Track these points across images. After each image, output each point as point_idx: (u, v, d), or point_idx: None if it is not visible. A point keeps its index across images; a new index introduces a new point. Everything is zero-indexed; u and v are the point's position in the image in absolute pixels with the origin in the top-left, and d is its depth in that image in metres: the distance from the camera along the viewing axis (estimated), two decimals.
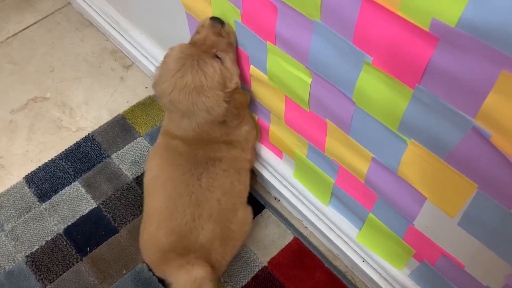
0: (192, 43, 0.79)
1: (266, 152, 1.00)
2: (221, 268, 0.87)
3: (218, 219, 0.84)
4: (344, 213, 0.91)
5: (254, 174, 1.06)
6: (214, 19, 0.77)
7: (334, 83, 0.65)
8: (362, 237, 0.88)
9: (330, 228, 0.94)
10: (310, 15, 0.59)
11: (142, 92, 1.28)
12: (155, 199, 0.86)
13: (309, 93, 0.71)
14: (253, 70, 0.81)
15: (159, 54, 1.19)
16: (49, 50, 1.37)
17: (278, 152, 0.97)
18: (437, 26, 0.45)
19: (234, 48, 0.79)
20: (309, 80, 0.69)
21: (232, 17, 0.75)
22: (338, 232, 0.93)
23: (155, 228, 0.84)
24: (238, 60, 0.83)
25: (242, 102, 0.83)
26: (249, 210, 0.92)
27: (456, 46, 0.45)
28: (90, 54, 1.36)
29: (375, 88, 0.58)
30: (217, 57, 0.77)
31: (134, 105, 1.23)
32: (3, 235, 1.03)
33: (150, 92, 1.27)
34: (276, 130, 0.90)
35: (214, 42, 0.76)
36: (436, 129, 0.55)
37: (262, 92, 0.84)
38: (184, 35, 0.97)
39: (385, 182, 0.71)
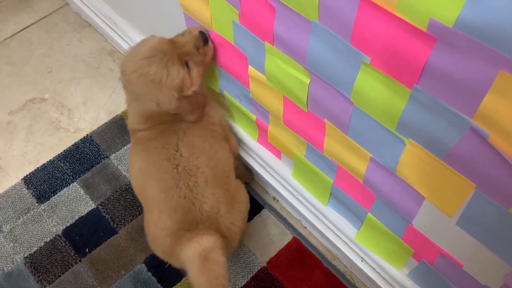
0: (172, 40, 0.82)
1: (264, 152, 1.00)
2: (234, 236, 0.83)
3: (215, 183, 0.82)
4: (343, 213, 0.91)
5: (250, 171, 1.06)
6: (202, 34, 0.81)
7: (332, 84, 0.65)
8: (361, 237, 0.88)
9: (329, 228, 0.94)
10: (308, 15, 0.59)
11: None
12: (147, 190, 0.84)
13: (307, 94, 0.71)
14: (251, 70, 0.81)
15: None
16: (47, 51, 1.37)
17: (277, 152, 0.97)
18: (435, 26, 0.45)
19: (206, 66, 0.85)
20: (307, 80, 0.69)
21: (230, 17, 0.75)
22: (337, 232, 0.93)
23: (157, 214, 0.81)
24: (234, 61, 0.83)
25: (199, 102, 0.84)
26: (240, 183, 0.89)
27: (454, 46, 0.45)
28: (88, 54, 1.36)
29: (373, 89, 0.58)
30: (186, 65, 0.80)
31: None
32: (1, 236, 1.03)
33: None
34: (274, 130, 0.90)
35: (190, 52, 0.80)
36: (434, 129, 0.55)
37: (261, 93, 0.84)
38: None
39: (384, 182, 0.71)
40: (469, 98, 0.48)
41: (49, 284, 0.97)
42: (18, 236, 1.03)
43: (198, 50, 0.81)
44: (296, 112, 0.78)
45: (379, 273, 0.88)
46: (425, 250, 0.74)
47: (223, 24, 0.78)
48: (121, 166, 1.12)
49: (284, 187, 0.99)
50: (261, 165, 1.02)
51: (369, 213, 0.81)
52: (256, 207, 1.06)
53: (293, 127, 0.83)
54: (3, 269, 0.99)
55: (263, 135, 0.97)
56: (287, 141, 0.89)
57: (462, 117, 0.50)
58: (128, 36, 1.25)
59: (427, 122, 0.55)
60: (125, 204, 1.06)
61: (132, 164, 0.88)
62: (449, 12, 0.43)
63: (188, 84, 0.80)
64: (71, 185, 1.10)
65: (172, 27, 0.98)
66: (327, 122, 0.73)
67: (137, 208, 1.06)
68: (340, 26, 0.56)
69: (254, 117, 0.93)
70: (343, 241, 0.93)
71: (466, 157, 0.54)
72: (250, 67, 0.81)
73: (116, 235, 1.03)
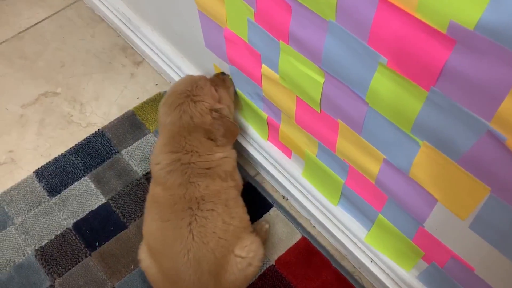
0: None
1: (275, 151, 1.00)
2: None
3: (215, 272, 0.82)
4: (353, 213, 0.91)
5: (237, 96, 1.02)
6: (222, 72, 0.95)
7: (347, 84, 0.64)
8: (370, 238, 0.88)
9: (339, 228, 0.94)
10: (324, 15, 0.59)
11: (152, 88, 1.28)
12: (160, 258, 0.84)
13: (321, 93, 0.71)
14: (264, 69, 0.81)
15: (170, 51, 1.19)
16: (60, 45, 1.38)
17: (287, 151, 0.97)
18: (455, 28, 0.45)
19: (231, 95, 0.95)
20: (321, 80, 0.69)
21: (245, 16, 0.75)
22: (346, 232, 0.93)
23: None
24: (247, 59, 0.83)
25: (231, 130, 0.88)
26: (254, 238, 0.88)
27: (474, 49, 0.45)
28: (100, 50, 1.36)
29: (389, 89, 0.58)
30: (215, 88, 0.89)
31: (144, 102, 1.23)
32: (13, 228, 1.04)
33: (160, 89, 1.27)
34: (286, 129, 0.90)
35: (216, 80, 0.93)
36: (449, 131, 0.55)
37: (273, 92, 0.84)
38: (196, 33, 0.97)
39: (396, 184, 0.71)
40: (487, 101, 0.48)
41: (59, 276, 0.98)
42: (29, 228, 1.04)
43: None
44: (309, 112, 0.78)
45: (388, 274, 0.88)
46: (435, 253, 0.74)
47: (238, 22, 0.79)
48: (132, 161, 1.12)
49: (294, 186, 0.99)
50: (271, 163, 1.02)
51: (380, 214, 0.81)
52: (265, 205, 1.06)
53: (305, 126, 0.83)
54: (14, 261, 1.00)
55: (274, 134, 0.97)
56: (298, 140, 0.89)
57: (479, 120, 0.50)
58: (141, 32, 1.25)
59: (443, 124, 0.55)
60: (136, 199, 1.07)
61: (147, 219, 0.88)
62: (471, 14, 0.43)
63: (217, 97, 0.89)
64: (82, 179, 1.11)
65: (187, 24, 0.99)
66: (341, 122, 0.72)
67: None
68: (357, 26, 0.56)
69: (265, 115, 0.93)
70: (353, 241, 0.93)
71: (481, 161, 0.53)
72: (263, 66, 0.81)
73: (126, 230, 1.03)
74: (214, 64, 1.00)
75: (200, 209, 0.82)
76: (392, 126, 0.63)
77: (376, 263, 0.89)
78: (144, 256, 0.88)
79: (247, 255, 0.84)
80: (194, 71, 1.14)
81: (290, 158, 0.98)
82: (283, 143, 0.96)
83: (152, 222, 0.86)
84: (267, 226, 1.00)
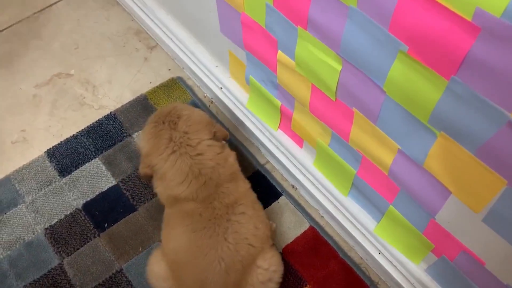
0: None
1: (286, 140, 1.00)
2: None
3: (238, 283, 0.82)
4: (363, 204, 0.91)
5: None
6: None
7: (365, 71, 0.64)
8: (380, 229, 0.88)
9: (348, 219, 0.94)
10: (345, 0, 0.58)
11: (165, 73, 1.28)
12: (187, 272, 0.82)
13: (338, 81, 0.71)
14: (280, 55, 0.80)
15: (185, 37, 1.19)
16: (75, 27, 1.38)
17: (299, 140, 0.97)
18: (481, 16, 0.44)
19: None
20: (338, 67, 0.68)
21: (264, 0, 0.75)
22: (355, 223, 0.93)
23: None
24: (263, 45, 0.83)
25: (223, 136, 0.88)
26: (275, 252, 0.87)
27: (499, 37, 0.44)
28: (115, 33, 1.36)
29: (408, 78, 0.58)
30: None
31: (156, 86, 1.23)
32: (23, 206, 1.05)
33: (173, 74, 1.27)
34: (299, 117, 0.90)
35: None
36: (468, 122, 0.54)
37: (288, 79, 0.83)
38: (212, 19, 0.96)
39: (410, 175, 0.70)
40: (510, 91, 0.47)
41: (68, 256, 0.99)
42: (39, 207, 1.05)
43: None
44: (324, 100, 0.78)
45: (395, 266, 0.88)
46: (446, 246, 0.73)
47: (256, 7, 0.78)
48: None
49: (304, 175, 0.99)
50: (281, 152, 1.02)
51: (391, 206, 0.80)
52: (274, 194, 1.06)
53: (319, 114, 0.82)
54: (24, 239, 1.01)
55: (286, 122, 0.96)
56: (311, 129, 0.88)
57: (500, 110, 0.49)
58: (156, 16, 1.25)
59: (461, 115, 0.54)
60: (145, 182, 1.07)
61: (173, 236, 0.84)
62: (498, 1, 0.42)
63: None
64: (93, 160, 1.11)
65: (203, 9, 0.98)
66: (356, 111, 0.72)
67: None
68: (379, 12, 0.55)
69: (279, 103, 0.93)
70: (361, 232, 0.92)
71: (500, 152, 0.53)
72: (279, 52, 0.80)
73: (135, 212, 1.04)
74: (229, 50, 1.00)
75: (234, 213, 0.81)
76: (408, 116, 0.62)
77: (384, 255, 0.89)
78: (160, 280, 0.85)
79: (268, 268, 0.83)
80: (208, 57, 1.14)
81: (301, 147, 0.98)
82: (295, 132, 0.95)
83: (181, 235, 0.82)
84: (274, 225, 1.00)
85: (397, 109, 0.63)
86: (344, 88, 0.71)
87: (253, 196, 0.87)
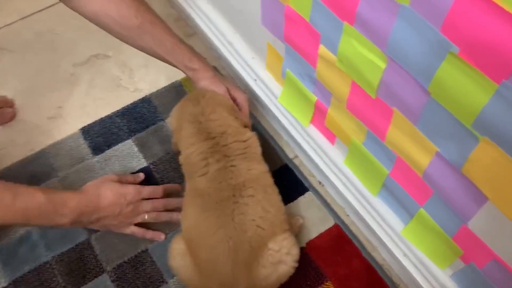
0: None
1: (317, 135, 1.01)
2: None
3: (249, 264, 0.82)
4: (392, 205, 0.90)
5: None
6: None
7: (410, 71, 0.64)
8: (407, 232, 0.88)
9: (374, 219, 0.94)
10: None
11: None
12: (199, 251, 0.83)
13: (380, 79, 0.71)
14: (322, 50, 0.81)
15: (224, 27, 1.20)
16: None
17: (331, 137, 0.97)
18: None
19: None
20: (383, 65, 0.68)
21: None
22: (382, 224, 0.93)
23: (206, 282, 0.84)
24: (305, 39, 0.84)
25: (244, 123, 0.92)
26: (288, 235, 0.85)
27: None
28: None
29: (455, 80, 0.57)
30: None
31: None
32: (56, 180, 1.08)
33: (209, 63, 1.28)
34: (334, 114, 0.90)
35: None
36: None
37: (327, 74, 0.84)
38: (254, 9, 0.97)
39: (445, 178, 0.70)
40: None
41: (95, 232, 1.01)
42: (71, 182, 1.08)
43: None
44: (363, 97, 0.78)
45: (419, 270, 0.88)
46: (476, 253, 0.73)
47: (302, 0, 0.78)
48: None
49: (333, 172, 0.99)
50: (312, 147, 1.03)
51: (421, 209, 0.80)
52: (301, 189, 1.07)
53: (356, 112, 0.82)
54: None
55: (319, 118, 0.97)
56: (345, 126, 0.88)
57: None
58: (196, 4, 1.26)
59: (508, 121, 0.54)
60: (175, 166, 1.09)
61: (188, 215, 0.87)
62: None
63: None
64: (125, 141, 1.13)
65: (249, 2, 0.99)
66: (396, 110, 0.72)
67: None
68: (432, 12, 0.55)
69: (315, 98, 0.93)
70: (387, 233, 0.92)
71: None
72: (321, 46, 0.81)
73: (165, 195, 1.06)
74: (267, 42, 1.00)
75: (242, 196, 0.82)
76: (451, 119, 0.62)
77: (409, 258, 0.89)
78: (178, 257, 0.87)
79: (279, 249, 0.83)
80: (245, 48, 1.14)
81: (332, 144, 0.98)
82: (328, 128, 0.95)
83: (194, 214, 0.85)
84: (301, 221, 1.00)
85: (440, 111, 0.63)
86: (386, 86, 0.71)
87: (267, 180, 0.86)
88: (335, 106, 0.88)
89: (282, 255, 0.82)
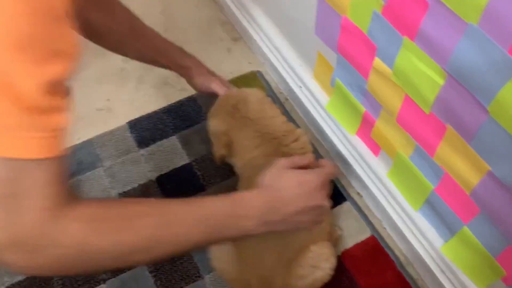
0: None
1: (361, 146, 1.02)
2: None
3: (289, 263, 0.83)
4: (433, 221, 0.91)
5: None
6: None
7: (470, 89, 0.65)
8: (447, 249, 0.88)
9: (413, 234, 0.94)
10: (466, 17, 0.60)
11: (246, 66, 1.32)
12: (247, 243, 0.84)
13: (436, 95, 0.72)
14: (377, 63, 0.82)
15: (273, 33, 1.22)
16: (164, 10, 1.45)
17: (376, 148, 0.98)
18: None
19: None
20: (441, 81, 0.69)
21: (372, 7, 0.77)
22: (421, 239, 0.93)
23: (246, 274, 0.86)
24: (360, 50, 0.85)
25: None
26: (328, 243, 0.86)
27: None
28: (202, 21, 1.42)
29: None
30: None
31: (237, 77, 1.28)
32: (101, 170, 1.12)
33: (253, 68, 1.31)
34: (382, 126, 0.91)
35: None
36: None
37: (380, 87, 0.85)
38: (307, 18, 0.99)
39: (495, 198, 0.70)
40: None
41: None
42: (116, 173, 1.12)
43: None
44: (415, 112, 0.79)
45: (456, 287, 0.88)
46: None
47: (361, 13, 0.80)
48: None
49: (375, 184, 1.00)
50: (354, 158, 1.04)
51: (465, 226, 0.80)
52: (339, 198, 1.08)
53: (406, 126, 0.83)
54: (98, 199, 1.08)
55: (366, 129, 0.98)
56: (393, 139, 0.89)
57: None
58: (246, 9, 1.29)
59: None
60: (217, 166, 1.11)
61: None
62: None
63: None
64: (170, 137, 1.17)
65: (300, 7, 1.01)
66: (449, 127, 0.73)
67: (226, 172, 1.11)
68: (500, 32, 0.56)
69: (363, 109, 0.95)
70: (425, 248, 0.92)
71: None
72: (376, 59, 0.82)
73: (203, 192, 1.08)
74: (318, 51, 1.02)
75: None
76: (508, 139, 0.62)
77: (446, 274, 0.89)
78: (220, 246, 0.89)
79: (320, 254, 0.85)
80: (293, 55, 1.17)
81: (376, 156, 0.99)
82: (374, 140, 0.96)
83: None
84: (340, 232, 1.01)
85: (497, 131, 0.63)
86: (442, 102, 0.72)
87: None
88: (384, 119, 0.89)
89: (321, 261, 0.84)
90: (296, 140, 0.88)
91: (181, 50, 1.02)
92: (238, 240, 0.77)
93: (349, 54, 0.90)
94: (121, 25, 0.94)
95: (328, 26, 0.93)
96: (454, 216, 0.82)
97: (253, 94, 0.94)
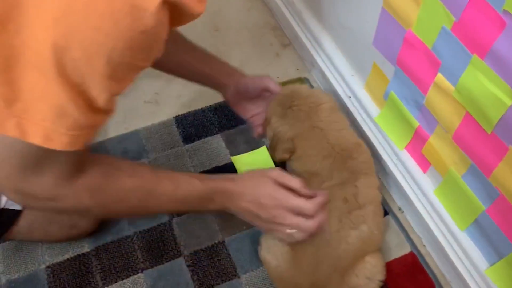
0: None
1: (409, 161, 1.01)
2: None
3: (345, 272, 0.85)
4: (479, 242, 0.89)
5: None
6: None
7: None
8: (493, 272, 0.86)
9: (456, 254, 0.93)
10: None
11: (293, 72, 1.33)
12: (303, 246, 0.85)
13: (502, 116, 0.71)
14: (439, 78, 0.82)
15: (326, 41, 1.22)
16: (217, 11, 1.47)
17: (425, 164, 0.97)
18: None
19: None
20: (509, 102, 0.69)
21: (441, 23, 0.77)
22: (464, 260, 0.91)
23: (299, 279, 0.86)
24: (422, 65, 0.85)
25: None
26: (381, 255, 0.90)
27: None
28: (254, 24, 1.44)
29: None
30: None
31: (284, 82, 1.29)
32: (146, 161, 1.14)
33: (300, 74, 1.32)
34: (435, 142, 0.90)
35: None
36: None
37: (438, 103, 0.85)
38: (366, 30, 0.99)
39: None
40: None
41: (177, 216, 1.06)
42: (160, 165, 1.13)
43: None
44: (475, 131, 0.78)
45: None
46: None
47: (428, 28, 0.80)
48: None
49: (420, 200, 0.99)
50: (401, 172, 1.03)
51: None
52: None
53: (463, 144, 0.83)
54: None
55: (416, 144, 0.97)
56: (446, 156, 0.89)
57: None
58: (300, 16, 1.30)
59: None
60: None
61: None
62: None
63: None
64: (215, 135, 1.18)
65: (360, 19, 1.02)
66: None
67: None
68: None
69: (416, 124, 0.94)
70: (468, 270, 0.91)
71: None
72: (439, 75, 0.82)
73: None
74: (374, 62, 1.02)
75: (355, 213, 0.84)
76: None
77: None
78: (274, 248, 0.89)
79: (376, 265, 0.86)
80: (345, 64, 1.17)
81: (424, 172, 0.99)
82: (424, 156, 0.96)
83: None
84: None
85: None
86: (507, 123, 0.71)
87: (379, 198, 0.89)
88: (439, 135, 0.89)
89: (376, 273, 0.85)
90: (361, 153, 0.88)
91: (223, 61, 1.06)
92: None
93: (409, 68, 0.90)
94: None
95: (389, 38, 0.93)
96: (504, 239, 0.81)
97: (326, 101, 0.92)
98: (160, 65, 1.00)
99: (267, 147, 1.15)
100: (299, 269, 0.85)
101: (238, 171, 1.11)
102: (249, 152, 1.16)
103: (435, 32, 0.79)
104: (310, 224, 0.79)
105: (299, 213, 0.79)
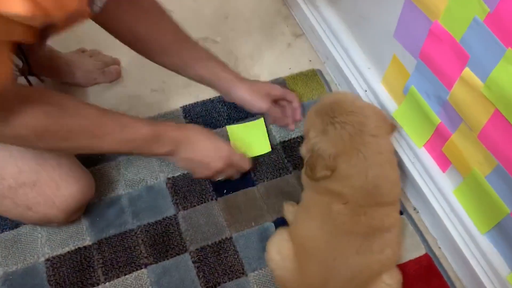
0: None
1: (428, 159, 0.97)
2: None
3: None
4: (500, 247, 0.85)
5: None
6: None
7: None
8: None
9: (475, 257, 0.89)
10: None
11: (305, 64, 1.29)
12: (311, 263, 0.83)
13: None
14: (466, 73, 0.77)
15: (342, 32, 1.17)
16: None
17: (445, 163, 0.93)
18: None
19: None
20: None
21: (473, 14, 0.72)
22: (483, 264, 0.88)
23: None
24: (448, 59, 0.80)
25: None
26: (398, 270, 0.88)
27: None
28: (265, 13, 1.39)
29: None
30: None
31: (296, 73, 1.24)
32: None
33: (313, 65, 1.28)
34: (458, 141, 0.86)
35: None
36: None
37: (464, 99, 0.80)
38: (387, 21, 0.94)
39: None
40: None
41: (184, 209, 1.02)
42: None
43: None
44: (504, 129, 0.74)
45: None
46: None
47: (457, 19, 0.75)
48: (272, 126, 1.14)
49: (437, 200, 0.95)
50: (418, 171, 0.99)
51: None
52: None
53: (489, 143, 0.78)
54: (146, 181, 1.05)
55: (436, 142, 0.93)
56: (469, 156, 0.84)
57: None
58: (314, 4, 1.25)
59: None
60: (269, 162, 1.08)
61: (308, 226, 0.85)
62: None
63: None
64: (223, 127, 1.14)
65: (381, 9, 0.97)
66: None
67: (278, 170, 1.07)
68: None
69: (438, 121, 0.90)
70: (487, 275, 0.87)
71: None
72: (466, 69, 0.77)
73: (253, 188, 1.05)
74: (394, 55, 0.98)
75: (374, 237, 0.80)
76: None
77: None
78: (282, 254, 0.87)
79: (392, 284, 0.84)
80: (362, 57, 1.12)
81: (444, 171, 0.94)
82: (445, 154, 0.92)
83: (318, 230, 0.83)
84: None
85: None
86: None
87: (399, 227, 0.87)
88: (462, 133, 0.84)
89: None
90: (393, 190, 0.84)
91: (224, 63, 1.03)
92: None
93: (433, 61, 0.85)
94: (166, 35, 0.95)
95: (412, 30, 0.88)
96: None
97: (371, 122, 0.80)
98: (160, 63, 1.01)
99: (264, 120, 1.12)
100: (307, 282, 0.82)
101: (230, 141, 1.10)
102: (246, 123, 1.13)
103: (465, 23, 0.74)
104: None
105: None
